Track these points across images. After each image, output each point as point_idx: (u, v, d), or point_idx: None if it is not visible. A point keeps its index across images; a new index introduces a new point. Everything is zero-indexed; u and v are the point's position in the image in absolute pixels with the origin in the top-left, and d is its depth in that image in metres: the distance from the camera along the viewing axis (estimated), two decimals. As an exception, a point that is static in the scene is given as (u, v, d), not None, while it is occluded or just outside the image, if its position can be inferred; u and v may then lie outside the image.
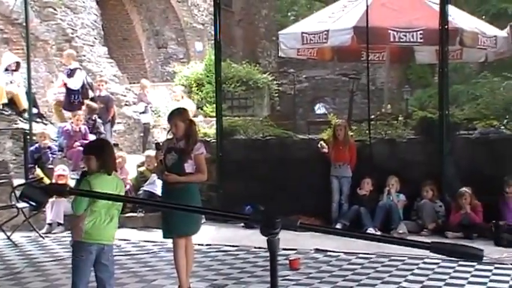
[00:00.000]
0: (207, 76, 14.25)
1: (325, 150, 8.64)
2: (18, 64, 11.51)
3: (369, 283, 5.86)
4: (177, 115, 5.52)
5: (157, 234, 6.92)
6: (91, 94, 11.47)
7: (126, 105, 13.57)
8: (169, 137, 5.63)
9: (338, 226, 8.10)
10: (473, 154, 8.35)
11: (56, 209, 8.42)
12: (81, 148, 8.97)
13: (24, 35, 11.14)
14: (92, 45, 13.82)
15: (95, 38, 14.14)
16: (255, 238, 7.14)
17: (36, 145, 9.97)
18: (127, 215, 8.48)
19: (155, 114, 13.50)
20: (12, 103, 11.31)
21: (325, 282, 5.90)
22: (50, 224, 8.50)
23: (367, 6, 9.30)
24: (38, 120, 11.61)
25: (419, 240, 2.38)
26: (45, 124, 11.78)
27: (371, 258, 6.79)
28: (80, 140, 10.18)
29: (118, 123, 12.76)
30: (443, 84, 8.50)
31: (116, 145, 11.19)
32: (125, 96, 13.71)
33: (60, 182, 8.30)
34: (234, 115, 12.57)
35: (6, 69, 11.38)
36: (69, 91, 11.25)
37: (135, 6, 17.51)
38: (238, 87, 14.54)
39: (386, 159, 8.65)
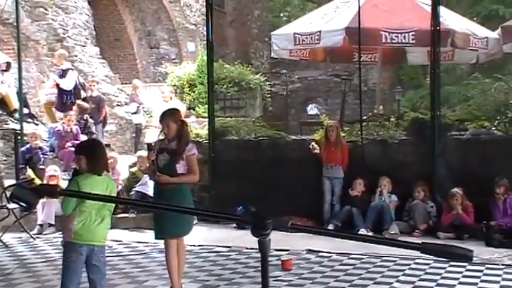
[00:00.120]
0: (199, 77, 14.22)
1: (317, 151, 8.65)
2: (9, 64, 11.45)
3: (361, 284, 5.88)
4: (169, 116, 5.52)
5: (149, 235, 6.90)
6: (83, 94, 11.43)
7: (118, 105, 13.54)
8: (161, 137, 5.61)
9: (330, 227, 8.11)
10: (464, 155, 8.39)
11: (47, 209, 8.39)
12: (72, 149, 8.92)
13: (15, 35, 11.09)
14: (83, 46, 13.78)
15: (87, 38, 14.09)
16: (247, 239, 7.12)
17: (27, 145, 9.92)
18: (119, 215, 8.45)
19: (147, 114, 13.47)
20: (2, 103, 11.25)
21: (317, 283, 5.90)
22: (41, 225, 8.46)
23: (359, 7, 9.32)
24: (29, 120, 11.55)
25: (410, 241, 2.39)
26: (36, 124, 11.73)
27: (363, 259, 6.81)
28: (72, 140, 10.12)
29: (110, 123, 12.71)
30: (435, 85, 8.52)
31: (108, 145, 11.14)
32: (116, 96, 13.68)
33: (51, 182, 8.28)
34: (226, 116, 12.58)
35: (-3, 69, 11.34)
36: (62, 92, 11.16)
37: (127, 7, 17.46)
38: (230, 88, 14.52)
39: (378, 160, 8.67)
